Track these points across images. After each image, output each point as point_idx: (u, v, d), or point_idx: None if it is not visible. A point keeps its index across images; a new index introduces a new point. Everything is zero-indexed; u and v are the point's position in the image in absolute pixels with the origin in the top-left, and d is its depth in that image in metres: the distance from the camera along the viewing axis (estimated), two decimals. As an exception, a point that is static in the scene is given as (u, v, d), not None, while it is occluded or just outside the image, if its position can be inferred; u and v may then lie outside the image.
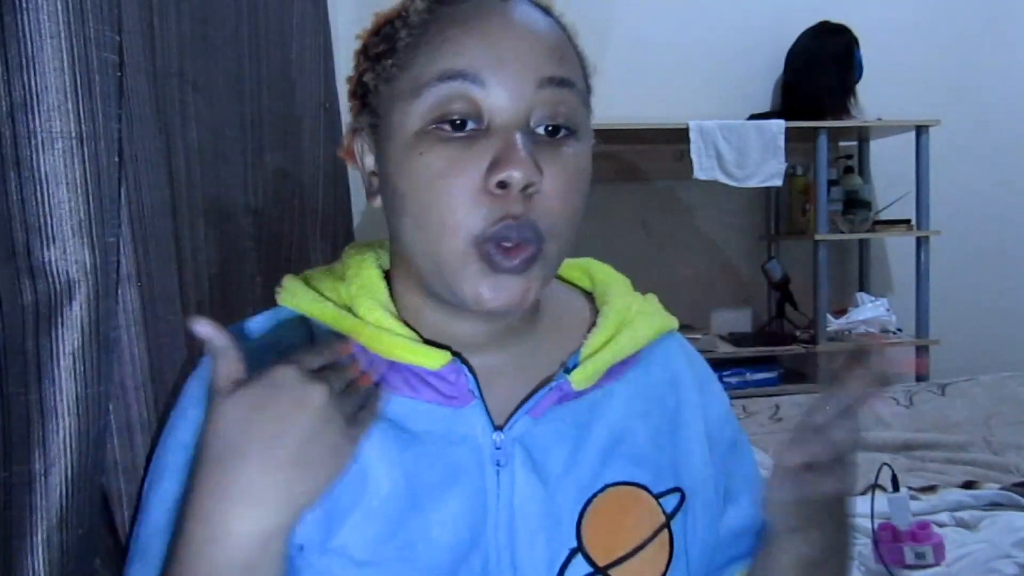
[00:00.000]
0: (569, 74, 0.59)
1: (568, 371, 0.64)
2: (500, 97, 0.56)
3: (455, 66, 0.56)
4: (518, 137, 0.55)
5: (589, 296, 0.73)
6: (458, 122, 0.57)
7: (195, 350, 0.67)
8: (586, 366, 0.64)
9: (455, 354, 0.62)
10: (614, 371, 0.67)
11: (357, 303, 0.63)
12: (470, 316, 0.61)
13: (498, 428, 0.62)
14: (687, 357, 0.73)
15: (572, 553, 0.60)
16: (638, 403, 0.67)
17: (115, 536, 0.68)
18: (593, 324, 0.68)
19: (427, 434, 0.61)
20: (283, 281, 0.67)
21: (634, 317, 0.69)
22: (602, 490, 0.62)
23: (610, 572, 0.61)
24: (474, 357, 0.63)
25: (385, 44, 0.61)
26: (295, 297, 0.65)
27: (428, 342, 0.62)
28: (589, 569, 0.60)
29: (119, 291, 0.67)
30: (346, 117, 0.69)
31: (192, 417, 0.61)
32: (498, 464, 0.61)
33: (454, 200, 0.56)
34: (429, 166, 0.56)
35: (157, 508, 0.60)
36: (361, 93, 0.64)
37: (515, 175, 0.54)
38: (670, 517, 0.64)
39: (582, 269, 0.76)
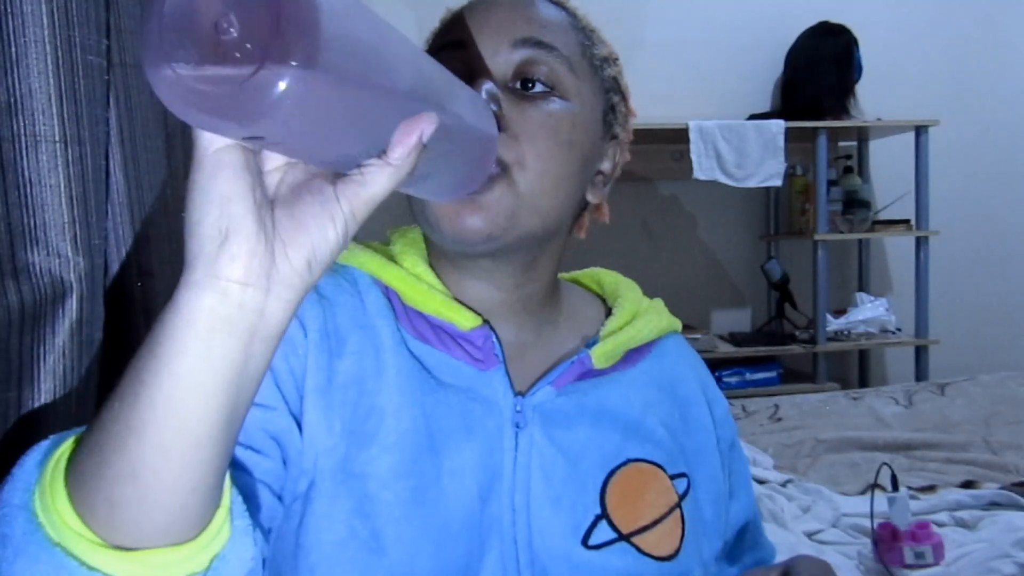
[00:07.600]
0: (549, 39, 0.63)
1: (589, 347, 0.67)
2: (479, 56, 0.62)
3: (447, 38, 0.65)
4: (485, 83, 0.60)
5: (601, 299, 0.77)
6: None
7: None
8: (606, 343, 0.68)
9: (486, 321, 0.64)
10: (629, 358, 0.70)
11: (402, 258, 0.67)
12: (478, 272, 0.65)
13: (519, 394, 0.64)
14: (692, 358, 0.78)
15: (597, 519, 0.62)
16: (652, 391, 0.70)
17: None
18: (608, 317, 0.72)
19: (451, 386, 0.63)
20: None
21: (647, 310, 0.74)
22: (625, 463, 0.65)
23: (632, 540, 0.63)
24: (501, 327, 0.65)
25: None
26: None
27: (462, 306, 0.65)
28: (613, 535, 0.62)
29: (120, 290, 0.67)
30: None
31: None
32: (517, 426, 0.62)
33: None
34: None
35: None
36: None
37: None
38: (682, 498, 0.67)
39: (591, 277, 0.80)
